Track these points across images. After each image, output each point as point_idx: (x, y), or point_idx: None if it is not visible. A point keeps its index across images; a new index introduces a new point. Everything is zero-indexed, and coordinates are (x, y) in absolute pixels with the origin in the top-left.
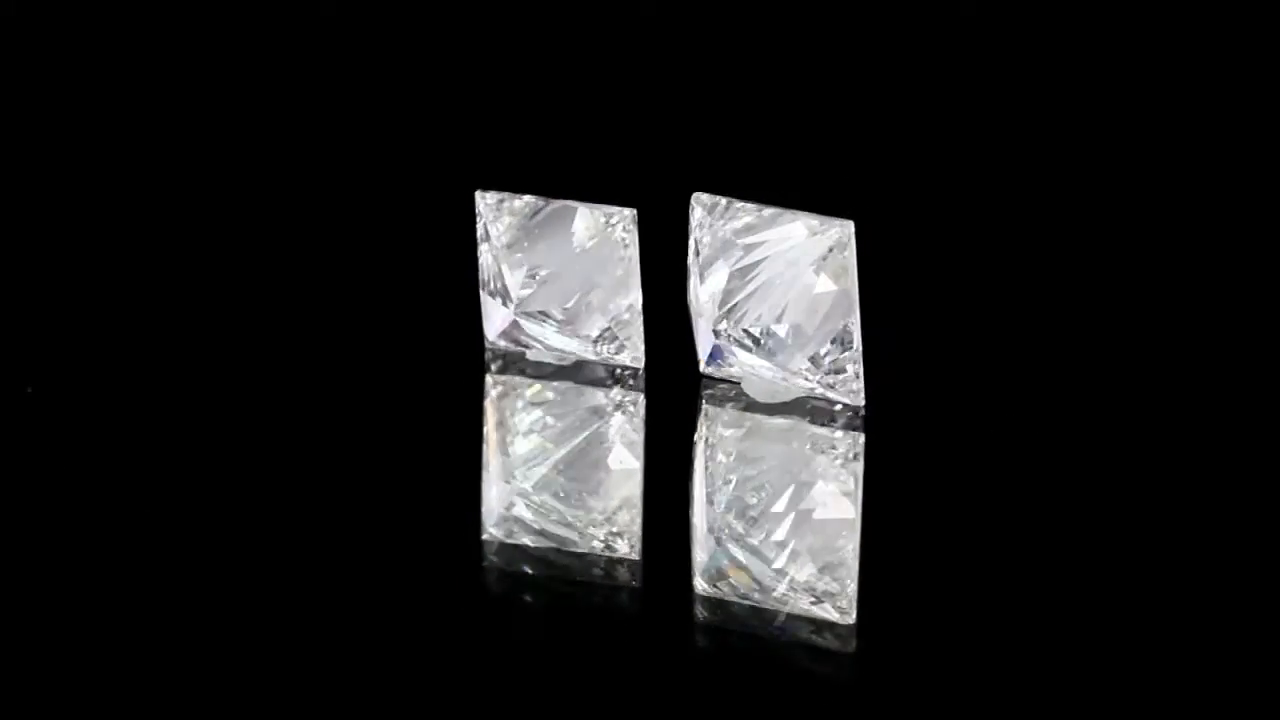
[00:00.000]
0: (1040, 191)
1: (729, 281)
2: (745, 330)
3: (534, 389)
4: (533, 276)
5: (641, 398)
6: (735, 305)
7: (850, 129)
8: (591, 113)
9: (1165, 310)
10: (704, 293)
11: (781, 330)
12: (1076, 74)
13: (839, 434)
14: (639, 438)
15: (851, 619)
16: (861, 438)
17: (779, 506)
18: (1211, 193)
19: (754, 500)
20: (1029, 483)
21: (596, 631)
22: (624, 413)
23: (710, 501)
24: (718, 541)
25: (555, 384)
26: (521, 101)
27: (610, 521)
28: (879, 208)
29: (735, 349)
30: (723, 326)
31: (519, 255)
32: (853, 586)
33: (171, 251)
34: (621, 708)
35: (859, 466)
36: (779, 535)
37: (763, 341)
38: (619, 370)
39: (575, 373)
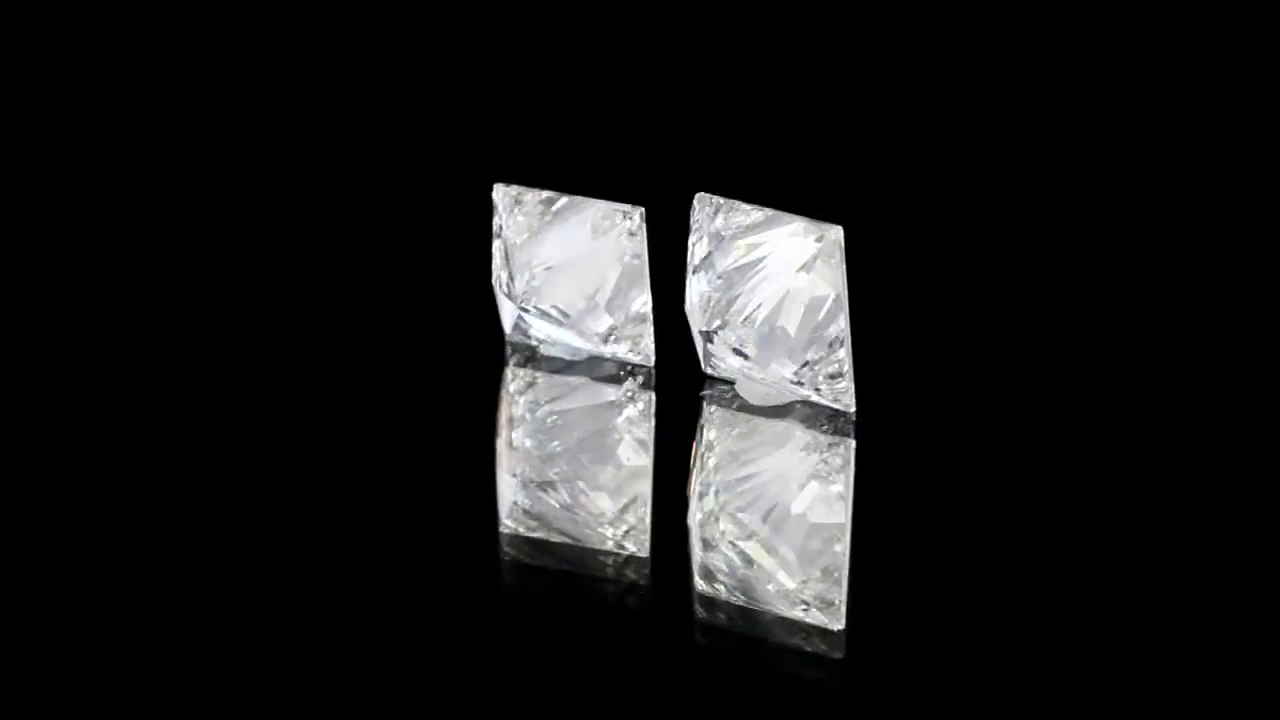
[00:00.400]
0: (1035, 199)
1: (720, 283)
2: (734, 334)
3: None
4: (540, 271)
5: (652, 396)
6: (725, 308)
7: (856, 133)
8: (607, 111)
9: (1156, 313)
10: (695, 294)
11: (770, 334)
12: (1070, 86)
13: (830, 439)
14: (649, 436)
15: (841, 625)
16: (852, 443)
17: (769, 511)
18: (1203, 200)
19: (742, 504)
20: (1020, 488)
21: (597, 628)
22: (634, 410)
23: (701, 504)
24: (706, 543)
25: (568, 379)
26: (540, 99)
27: (620, 518)
28: (880, 212)
29: (726, 352)
30: (713, 328)
31: (527, 250)
32: (843, 593)
33: (197, 249)
34: (604, 707)
35: (850, 472)
36: (769, 539)
37: (750, 346)
38: (630, 368)
39: (587, 369)
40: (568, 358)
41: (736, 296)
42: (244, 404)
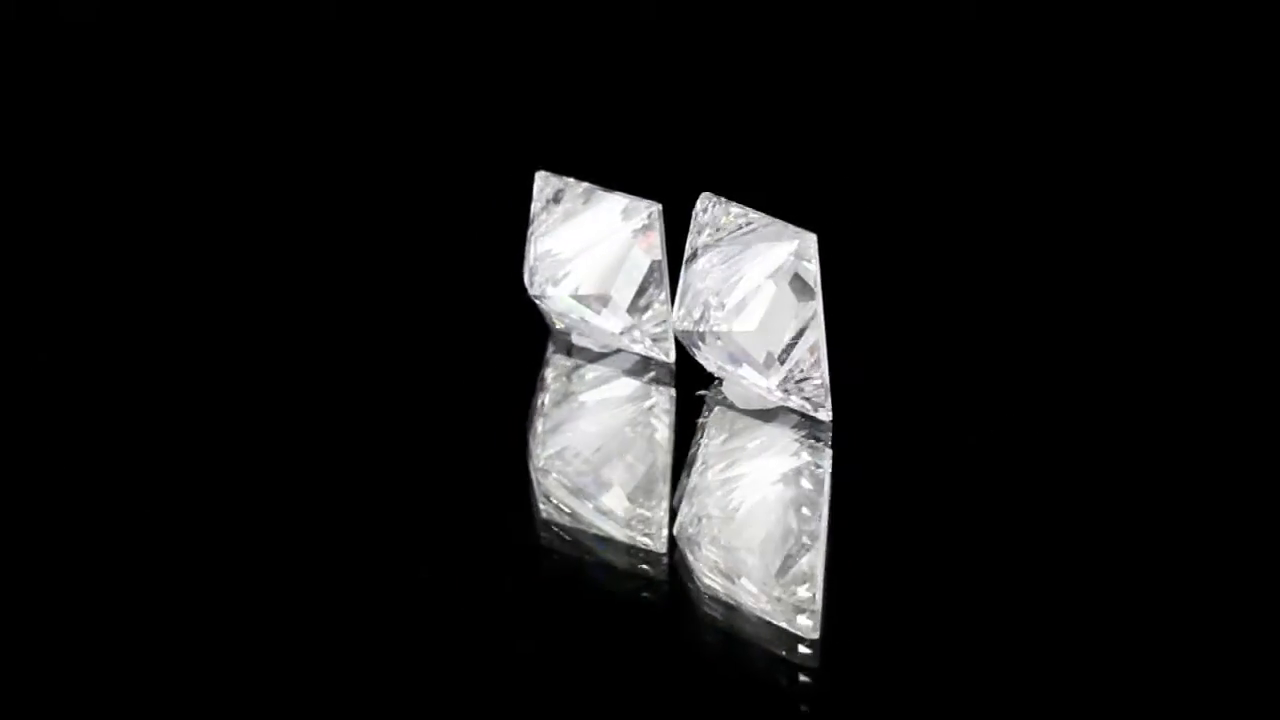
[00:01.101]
0: (1035, 205)
1: (701, 285)
2: (714, 336)
3: None
4: (557, 263)
5: (672, 392)
6: (706, 310)
7: (873, 135)
8: (632, 109)
9: (1134, 323)
10: (677, 295)
11: (744, 339)
12: (1065, 96)
13: (809, 446)
14: (668, 432)
15: (816, 634)
16: (829, 452)
17: (746, 516)
18: (1184, 208)
19: (721, 509)
20: (996, 496)
21: (591, 619)
22: (656, 406)
23: (686, 506)
24: (689, 543)
25: (599, 370)
26: (562, 96)
27: (636, 513)
28: (889, 216)
29: (710, 355)
30: (695, 329)
31: (546, 241)
32: (818, 601)
33: (257, 236)
34: (569, 696)
35: (827, 480)
36: (746, 544)
37: (729, 351)
38: (653, 363)
39: (615, 362)
40: (599, 349)
41: (716, 299)
42: (291, 387)
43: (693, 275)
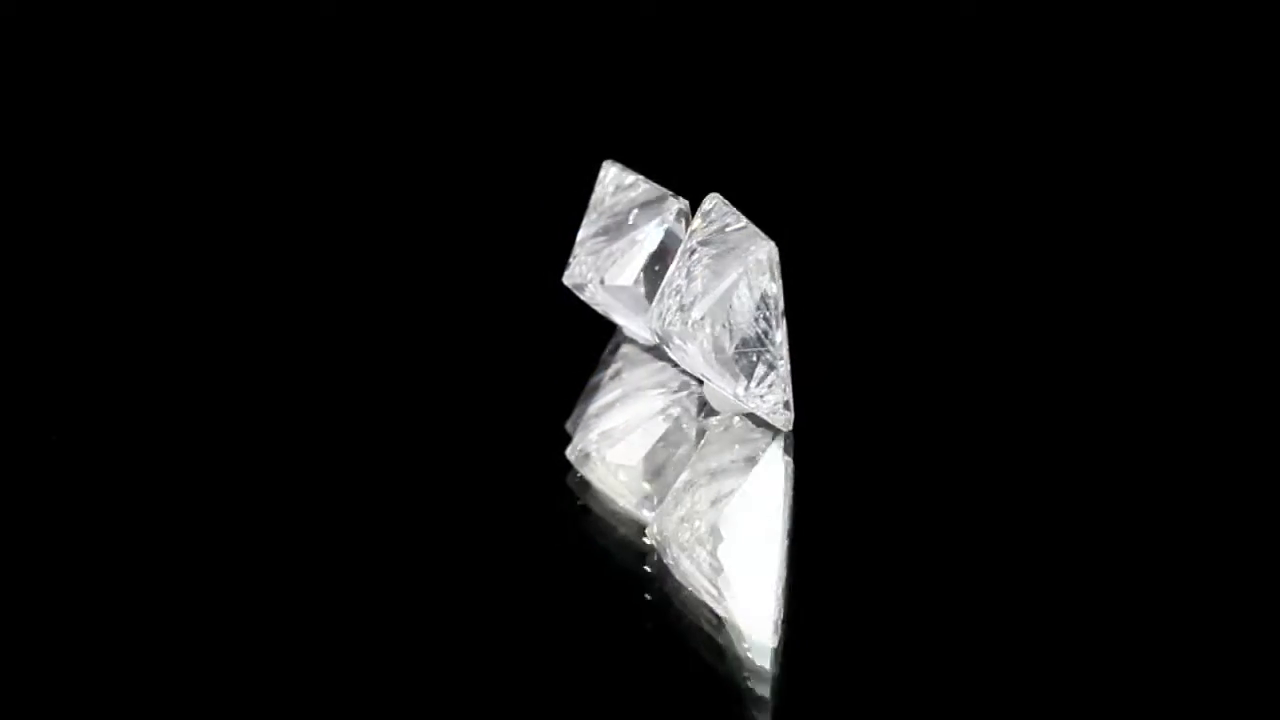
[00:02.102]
0: (1035, 211)
1: (672, 286)
2: (686, 339)
3: None
4: (593, 254)
5: (702, 387)
6: (670, 312)
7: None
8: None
9: (1102, 330)
10: (656, 296)
11: (710, 343)
12: (1064, 104)
13: (771, 453)
14: (696, 427)
15: (774, 641)
16: (789, 460)
17: (712, 522)
18: (1168, 214)
19: (691, 512)
20: (959, 508)
21: (589, 603)
22: (684, 402)
23: (672, 502)
24: (667, 543)
25: (644, 363)
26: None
27: (649, 500)
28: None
29: (679, 356)
30: (662, 330)
31: (588, 230)
32: (778, 609)
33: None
34: (538, 675)
35: (788, 488)
36: (711, 548)
37: (700, 353)
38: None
39: (653, 354)
40: (642, 343)
41: (682, 301)
42: (368, 362)
43: (669, 278)
